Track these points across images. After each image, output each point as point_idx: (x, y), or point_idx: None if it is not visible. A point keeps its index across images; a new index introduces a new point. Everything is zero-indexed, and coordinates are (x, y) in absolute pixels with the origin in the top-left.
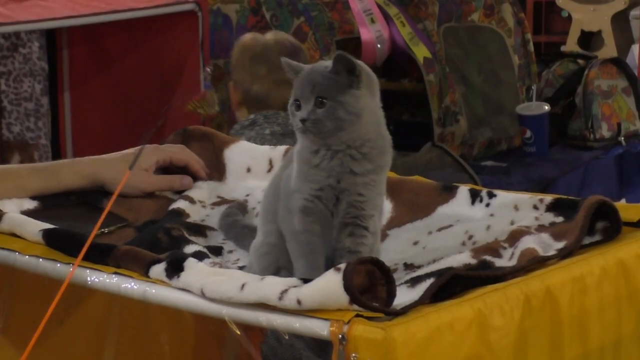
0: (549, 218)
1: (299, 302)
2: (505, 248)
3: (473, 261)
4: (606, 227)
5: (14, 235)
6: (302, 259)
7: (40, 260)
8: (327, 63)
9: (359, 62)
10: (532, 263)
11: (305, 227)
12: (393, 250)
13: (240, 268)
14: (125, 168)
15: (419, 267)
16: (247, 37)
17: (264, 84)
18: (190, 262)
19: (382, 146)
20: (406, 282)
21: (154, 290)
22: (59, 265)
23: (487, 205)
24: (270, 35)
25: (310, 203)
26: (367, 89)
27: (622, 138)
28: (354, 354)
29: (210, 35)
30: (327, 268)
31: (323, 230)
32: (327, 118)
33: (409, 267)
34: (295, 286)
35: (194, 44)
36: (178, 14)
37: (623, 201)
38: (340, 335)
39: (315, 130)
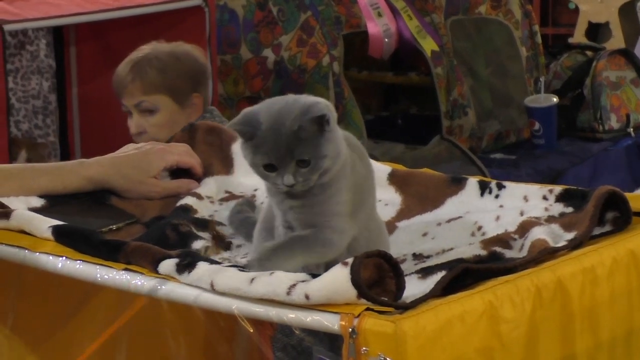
0: (559, 209)
1: (307, 297)
2: (515, 239)
3: (483, 253)
4: (616, 217)
5: (22, 232)
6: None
7: (50, 257)
8: (289, 109)
9: (323, 102)
10: (543, 254)
11: None
12: (402, 241)
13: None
14: (134, 174)
15: (428, 257)
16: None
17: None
18: (202, 264)
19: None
20: (417, 272)
21: (164, 287)
22: (68, 262)
23: (497, 196)
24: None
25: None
26: (333, 118)
27: (631, 129)
28: (364, 348)
29: (217, 31)
30: None
31: None
32: (313, 174)
33: (417, 257)
34: (303, 281)
35: (201, 40)
36: (185, 10)
37: None
38: (350, 329)
39: (304, 188)
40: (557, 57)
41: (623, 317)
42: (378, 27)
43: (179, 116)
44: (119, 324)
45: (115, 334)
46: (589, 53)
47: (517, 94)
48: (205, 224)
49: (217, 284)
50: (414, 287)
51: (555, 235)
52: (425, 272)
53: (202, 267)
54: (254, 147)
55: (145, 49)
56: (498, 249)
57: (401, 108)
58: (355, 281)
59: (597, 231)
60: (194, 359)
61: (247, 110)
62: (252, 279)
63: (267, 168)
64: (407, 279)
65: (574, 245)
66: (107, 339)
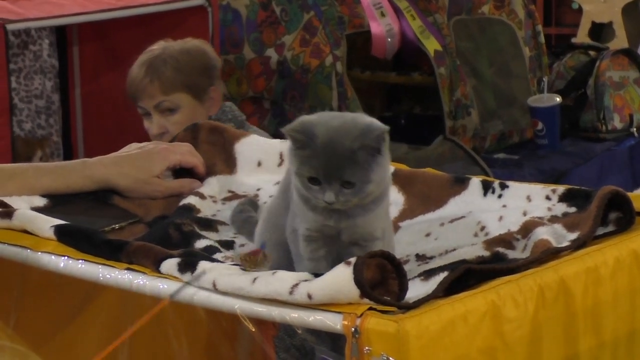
0: (562, 208)
1: (309, 296)
2: (518, 239)
3: (486, 253)
4: (619, 217)
5: (25, 231)
6: None
7: (52, 256)
8: (348, 128)
9: (379, 123)
10: (546, 255)
11: (311, 255)
12: (405, 242)
13: None
14: (137, 174)
15: (431, 258)
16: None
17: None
18: (204, 263)
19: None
20: (420, 275)
21: (166, 286)
22: (70, 261)
23: (500, 196)
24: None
25: (312, 233)
26: (387, 141)
27: (635, 129)
28: (367, 348)
29: (220, 31)
30: None
31: (329, 246)
32: (355, 196)
33: (420, 258)
34: (306, 280)
35: (204, 40)
36: (188, 10)
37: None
38: (353, 329)
39: (342, 207)
40: (560, 57)
41: (626, 317)
42: (381, 27)
43: (199, 112)
44: (140, 325)
45: (117, 334)
46: (592, 53)
47: (520, 94)
48: (208, 224)
49: (220, 284)
50: (417, 289)
51: (558, 236)
52: (427, 274)
53: (204, 266)
54: (304, 157)
55: (155, 49)
56: (501, 249)
57: (404, 108)
58: (358, 281)
59: (600, 231)
60: (196, 359)
61: (305, 119)
62: (255, 279)
63: (311, 180)
64: (409, 281)
65: (577, 245)
66: (109, 339)
